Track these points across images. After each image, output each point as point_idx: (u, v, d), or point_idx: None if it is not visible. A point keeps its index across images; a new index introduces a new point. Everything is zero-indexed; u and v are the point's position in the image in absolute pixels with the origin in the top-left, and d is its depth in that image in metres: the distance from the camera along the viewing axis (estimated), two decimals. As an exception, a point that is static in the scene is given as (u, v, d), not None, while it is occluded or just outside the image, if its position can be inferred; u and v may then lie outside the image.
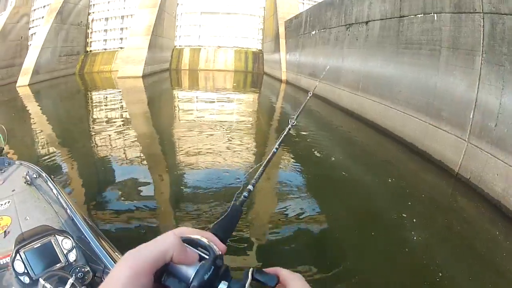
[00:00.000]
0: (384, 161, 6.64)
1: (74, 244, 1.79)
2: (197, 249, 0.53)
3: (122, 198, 4.65)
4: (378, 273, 3.25)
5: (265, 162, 1.07)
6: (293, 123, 1.56)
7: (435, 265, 3.29)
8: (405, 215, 4.26)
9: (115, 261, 1.83)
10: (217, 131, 8.42)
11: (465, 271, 3.28)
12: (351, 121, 9.69)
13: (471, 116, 5.03)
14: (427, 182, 5.47)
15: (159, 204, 4.62)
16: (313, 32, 14.54)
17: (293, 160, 6.49)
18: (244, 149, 7.26)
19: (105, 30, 23.45)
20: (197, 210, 4.38)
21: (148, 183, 5.28)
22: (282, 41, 19.60)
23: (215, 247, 0.54)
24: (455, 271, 3.27)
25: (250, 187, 0.91)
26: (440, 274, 3.13)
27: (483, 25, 4.63)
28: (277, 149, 1.25)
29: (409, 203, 4.61)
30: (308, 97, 2.22)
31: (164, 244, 0.50)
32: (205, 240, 0.55)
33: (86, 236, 2.00)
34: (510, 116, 4.17)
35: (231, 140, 7.68)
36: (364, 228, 4.04)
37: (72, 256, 1.76)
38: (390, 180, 5.48)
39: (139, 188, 5.00)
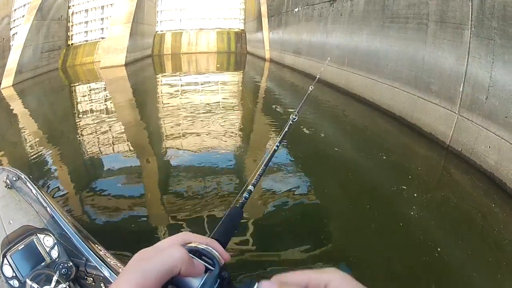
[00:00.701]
0: (374, 135, 6.67)
1: (55, 241, 1.79)
2: (202, 259, 0.52)
3: (110, 190, 4.55)
4: (375, 249, 3.26)
5: (265, 161, 1.03)
6: (295, 118, 1.49)
7: (433, 240, 3.31)
8: (399, 189, 4.30)
9: (96, 254, 1.84)
10: (202, 114, 8.31)
11: (464, 245, 3.31)
12: (338, 96, 9.67)
13: (460, 89, 5.04)
14: (419, 155, 5.52)
15: (148, 194, 4.55)
16: (296, 10, 14.27)
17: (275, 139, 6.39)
18: (231, 130, 7.20)
19: (86, 22, 22.68)
20: (188, 198, 4.32)
21: (136, 173, 5.20)
22: (265, 20, 19.25)
23: (220, 257, 0.53)
24: (453, 246, 3.29)
25: (250, 187, 0.88)
26: (439, 249, 3.14)
27: (471, 0, 4.58)
28: (278, 146, 1.20)
29: (403, 177, 4.64)
30: (309, 91, 2.16)
31: (172, 260, 0.47)
32: (209, 250, 0.53)
33: (67, 231, 2.00)
34: (501, 90, 4.18)
35: (216, 122, 7.59)
36: (359, 203, 4.07)
37: (54, 253, 1.76)
38: (381, 154, 5.49)
39: (127, 178, 4.94)
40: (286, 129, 1.37)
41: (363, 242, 3.38)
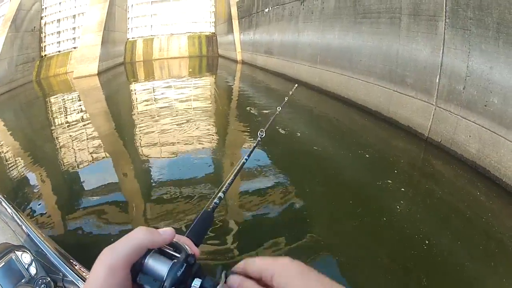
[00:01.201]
0: (352, 131, 6.63)
1: (32, 258, 1.79)
2: (169, 249, 0.54)
3: (86, 203, 4.28)
4: (362, 245, 3.16)
5: (234, 171, 1.10)
6: (262, 135, 1.53)
7: (421, 232, 3.23)
8: (382, 184, 4.21)
9: (72, 269, 1.86)
10: (176, 120, 8.05)
11: (453, 235, 3.23)
12: (313, 94, 9.61)
13: (437, 81, 5.04)
14: (399, 148, 5.49)
15: (125, 204, 4.34)
16: (267, 10, 14.19)
17: (252, 143, 6.20)
18: (206, 135, 6.98)
19: (58, 32, 21.94)
20: (166, 205, 4.13)
21: (113, 184, 4.86)
22: (235, 22, 19.15)
23: (186, 247, 0.55)
24: (442, 237, 3.22)
25: (220, 194, 0.93)
26: (427, 242, 3.06)
27: (445, -10, 4.58)
28: (246, 159, 1.27)
29: (384, 171, 4.58)
30: (279, 109, 2.16)
31: (136, 236, 0.51)
32: (176, 241, 0.56)
33: (43, 248, 2.00)
34: (479, 79, 4.18)
35: (191, 128, 7.35)
36: (342, 200, 3.95)
37: (32, 270, 1.76)
38: (361, 150, 5.43)
39: (103, 190, 4.61)
40: (255, 146, 1.42)
41: (349, 239, 3.28)
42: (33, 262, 1.77)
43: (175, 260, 0.51)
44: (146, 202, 4.29)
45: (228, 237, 3.38)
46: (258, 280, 0.51)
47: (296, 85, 2.68)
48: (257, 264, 0.52)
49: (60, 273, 1.83)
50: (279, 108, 2.19)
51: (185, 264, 0.50)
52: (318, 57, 9.66)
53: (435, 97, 5.10)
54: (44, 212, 4.10)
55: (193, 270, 0.51)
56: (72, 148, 6.57)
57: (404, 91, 5.89)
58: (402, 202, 3.77)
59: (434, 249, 3.00)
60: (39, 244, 2.03)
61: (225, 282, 0.52)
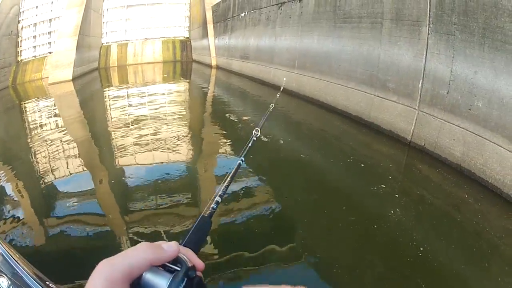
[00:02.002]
0: (334, 136, 6.66)
1: (9, 282, 1.70)
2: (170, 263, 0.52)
3: (63, 218, 4.02)
4: (356, 254, 3.11)
5: (231, 174, 1.09)
6: (257, 134, 1.53)
7: (414, 239, 3.22)
8: (370, 189, 4.21)
9: None
10: (151, 126, 7.90)
11: (446, 239, 3.23)
12: (291, 99, 9.63)
13: (420, 85, 5.13)
14: (382, 153, 5.52)
15: (104, 217, 4.11)
16: (243, 14, 14.19)
17: (237, 148, 6.13)
18: (180, 140, 6.88)
19: (34, 36, 21.32)
20: (147, 215, 3.97)
21: (89, 195, 4.62)
22: (210, 26, 19.13)
23: (187, 259, 0.53)
24: (436, 242, 3.22)
25: (218, 198, 0.92)
26: (421, 248, 3.05)
27: (429, -4, 4.68)
28: (242, 160, 1.26)
29: (370, 177, 4.60)
30: (270, 109, 2.28)
31: (138, 252, 0.49)
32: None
33: (19, 271, 1.87)
34: (463, 83, 4.28)
35: (169, 135, 7.22)
36: (330, 208, 3.89)
37: None
38: (344, 155, 5.48)
39: (80, 202, 4.37)
40: (249, 145, 1.42)
41: (342, 248, 3.22)
42: (11, 287, 1.68)
43: (175, 274, 0.49)
44: (125, 214, 4.09)
45: (218, 246, 3.29)
46: None
47: (282, 88, 2.68)
48: None
49: None
50: (272, 105, 2.32)
51: (185, 279, 0.49)
52: (296, 61, 9.72)
53: (418, 101, 5.19)
54: (17, 230, 3.81)
55: (193, 284, 0.50)
56: (46, 157, 6.25)
57: (386, 96, 5.97)
58: (392, 208, 3.75)
59: (429, 255, 2.99)
60: (15, 267, 1.90)
61: None
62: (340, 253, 3.16)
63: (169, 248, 0.51)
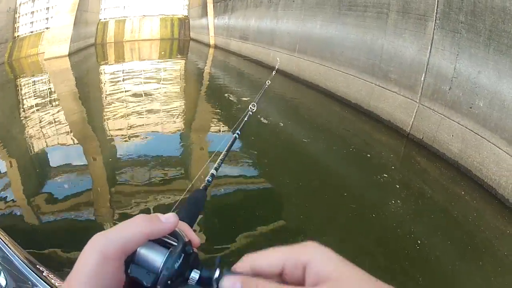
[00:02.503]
0: (333, 123, 6.79)
1: (0, 267, 1.71)
2: (165, 237, 0.48)
3: (56, 197, 4.05)
4: (354, 244, 3.22)
5: (226, 147, 1.11)
6: (253, 109, 1.55)
7: (411, 232, 3.35)
8: (371, 178, 4.39)
9: (40, 277, 1.73)
10: (146, 102, 8.00)
11: (442, 234, 3.41)
12: (290, 82, 9.69)
13: (422, 79, 5.25)
14: (381, 142, 5.68)
15: (97, 196, 4.16)
16: (245, -5, 14.07)
17: (233, 125, 6.22)
18: (175, 116, 7.05)
19: (32, 12, 20.79)
20: (142, 191, 4.07)
21: (83, 172, 4.71)
22: (210, 6, 18.86)
23: (183, 233, 0.50)
24: (433, 236, 3.36)
25: (213, 171, 0.93)
26: (419, 242, 3.20)
27: (438, -7, 4.75)
28: (238, 134, 1.29)
29: (371, 165, 4.77)
30: (266, 85, 2.29)
31: (135, 225, 0.45)
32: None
33: (9, 255, 1.86)
34: (465, 81, 4.40)
35: (160, 110, 7.38)
36: (326, 196, 4.04)
37: (2, 281, 1.67)
38: (344, 142, 5.65)
39: (73, 180, 4.42)
40: (245, 119, 1.43)
41: (340, 238, 3.32)
42: (2, 272, 1.69)
43: (171, 249, 0.46)
44: (118, 188, 4.22)
45: (213, 222, 3.43)
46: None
47: (277, 67, 2.77)
48: (273, 255, 0.41)
49: (29, 282, 1.70)
50: (268, 82, 2.33)
51: (183, 254, 0.46)
52: (297, 45, 9.73)
53: (419, 94, 5.32)
54: (6, 211, 3.82)
55: (190, 260, 0.47)
56: (40, 133, 6.28)
57: (387, 86, 6.08)
58: (391, 198, 3.91)
59: (426, 249, 3.15)
60: (5, 250, 1.87)
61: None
62: (338, 243, 3.22)
63: (167, 220, 0.47)
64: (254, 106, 1.56)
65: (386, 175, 4.45)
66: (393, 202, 3.86)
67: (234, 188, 4.20)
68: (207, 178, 0.88)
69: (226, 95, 8.72)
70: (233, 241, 3.21)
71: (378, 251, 3.18)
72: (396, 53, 5.86)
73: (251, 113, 1.48)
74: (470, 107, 4.34)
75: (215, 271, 0.43)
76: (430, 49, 5.04)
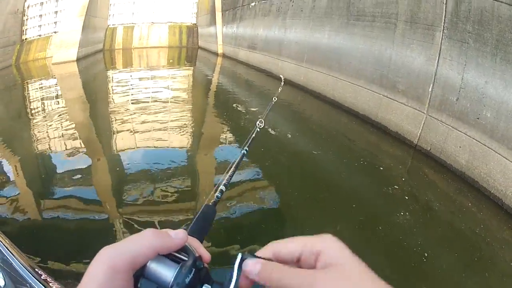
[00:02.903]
0: (341, 134, 6.79)
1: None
2: (176, 252, 0.49)
3: (58, 203, 4.12)
4: (360, 254, 3.23)
5: (235, 163, 1.11)
6: (261, 126, 1.54)
7: (418, 244, 3.32)
8: (379, 190, 4.38)
9: (39, 280, 1.77)
10: (154, 110, 8.07)
11: (449, 247, 3.38)
12: (297, 92, 9.75)
13: (430, 90, 5.24)
14: (389, 154, 5.66)
15: (103, 204, 4.23)
16: (253, 4, 14.21)
17: (242, 139, 6.21)
18: (183, 128, 7.06)
19: (40, 15, 21.34)
20: (146, 203, 4.08)
21: (88, 180, 4.77)
22: (219, 14, 19.17)
23: (194, 249, 0.51)
24: (440, 249, 3.32)
25: (222, 187, 0.93)
26: (426, 254, 3.16)
27: (446, 2, 4.76)
28: (247, 151, 1.28)
29: (379, 177, 4.75)
30: (272, 102, 2.23)
31: (144, 239, 0.46)
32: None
33: (8, 257, 1.90)
34: (473, 91, 4.39)
35: (168, 121, 7.43)
36: (338, 207, 4.03)
37: (1, 281, 1.69)
38: (352, 154, 5.64)
39: (78, 187, 4.48)
40: (253, 135, 1.44)
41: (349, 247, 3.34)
42: (0, 273, 1.71)
43: (182, 263, 0.47)
44: (125, 201, 4.20)
45: (223, 237, 3.43)
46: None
47: (283, 80, 2.79)
48: (293, 244, 0.46)
49: (27, 284, 1.74)
50: (274, 98, 2.27)
51: (193, 269, 0.47)
52: (305, 55, 9.79)
53: (427, 105, 5.31)
54: (10, 216, 3.85)
55: (201, 275, 0.48)
56: (46, 138, 6.40)
57: (395, 97, 6.08)
58: (399, 210, 3.89)
59: (433, 261, 3.11)
60: (4, 252, 1.92)
61: (240, 267, 0.46)
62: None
63: (176, 236, 0.48)
64: (262, 122, 1.56)
65: (394, 187, 4.43)
66: (401, 214, 3.83)
67: (243, 201, 4.17)
68: (216, 194, 0.89)
69: (234, 105, 8.80)
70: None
71: (386, 264, 3.13)
72: (404, 64, 5.87)
73: (258, 129, 1.48)
74: (477, 118, 4.32)
75: (231, 281, 0.45)
76: (438, 59, 5.05)
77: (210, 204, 0.82)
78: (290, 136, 6.57)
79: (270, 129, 6.53)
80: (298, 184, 4.63)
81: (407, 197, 4.26)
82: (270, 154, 5.55)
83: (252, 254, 0.46)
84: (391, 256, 3.25)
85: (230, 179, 1.00)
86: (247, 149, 1.30)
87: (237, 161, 1.13)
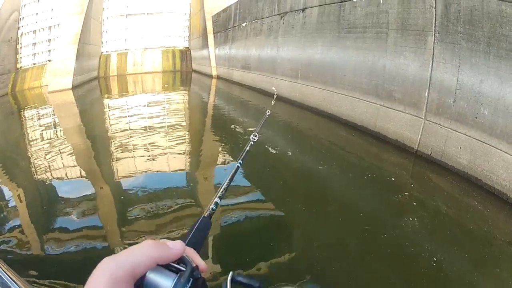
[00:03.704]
0: (340, 147, 6.87)
1: None
2: (172, 263, 0.52)
3: (62, 230, 4.14)
4: (368, 265, 3.22)
5: (229, 176, 1.16)
6: (255, 139, 1.61)
7: (426, 249, 3.31)
8: (384, 198, 4.43)
9: None
10: (151, 136, 8.15)
11: (459, 249, 3.37)
12: (294, 109, 9.89)
13: (426, 95, 5.36)
14: (391, 162, 5.71)
15: (105, 227, 4.26)
16: (244, 24, 14.58)
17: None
18: (179, 147, 7.22)
19: (34, 44, 21.97)
20: (147, 221, 4.14)
21: (90, 205, 4.79)
22: (210, 36, 19.66)
23: (191, 259, 0.54)
24: (449, 252, 3.31)
25: (217, 200, 0.97)
26: (435, 259, 3.15)
27: (435, 6, 4.94)
28: (241, 164, 1.34)
29: (383, 186, 4.78)
30: (266, 115, 2.37)
31: (143, 249, 0.49)
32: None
33: (7, 281, 1.95)
34: (469, 92, 4.51)
35: (165, 142, 7.54)
36: (340, 220, 4.05)
37: None
38: (353, 165, 5.69)
39: (77, 210, 4.52)
40: (247, 149, 1.49)
41: (356, 259, 3.33)
42: None
43: (180, 273, 0.49)
44: (123, 217, 4.28)
45: (221, 249, 3.44)
46: None
47: (275, 94, 2.89)
48: None
49: None
50: (268, 111, 2.42)
51: (191, 279, 0.49)
52: (299, 72, 9.98)
53: (424, 110, 5.42)
54: (13, 240, 3.89)
55: (198, 285, 0.51)
56: (45, 165, 6.44)
57: (392, 106, 6.20)
58: (404, 218, 3.89)
59: (443, 265, 3.10)
60: (3, 277, 2.01)
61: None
62: (353, 263, 3.27)
63: (174, 246, 0.51)
64: (256, 136, 1.63)
65: (398, 194, 4.46)
66: (407, 220, 3.83)
67: (244, 216, 4.20)
68: (211, 206, 0.92)
69: (232, 126, 8.87)
70: (242, 267, 3.22)
71: (394, 272, 3.13)
72: (398, 72, 6.01)
73: (252, 142, 1.54)
74: (476, 117, 4.42)
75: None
76: (432, 63, 5.19)
77: (206, 216, 0.85)
78: (290, 153, 6.61)
79: (270, 148, 6.58)
80: (302, 199, 4.64)
81: (413, 203, 4.28)
82: (273, 172, 5.61)
83: (241, 274, 0.50)
84: (399, 265, 3.23)
85: (225, 191, 1.05)
86: (241, 162, 1.35)
87: (231, 173, 1.18)
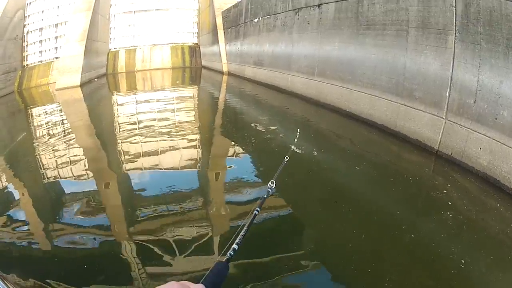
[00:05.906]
0: (361, 146, 7.19)
1: None
2: None
3: (68, 230, 4.40)
4: (398, 267, 3.46)
5: (248, 223, 1.21)
6: (273, 186, 1.65)
7: (452, 252, 3.53)
8: (410, 201, 4.78)
9: None
10: (161, 133, 8.63)
11: (484, 252, 3.60)
12: (309, 107, 10.27)
13: (447, 94, 5.70)
14: (412, 161, 6.04)
15: (113, 228, 4.55)
16: (256, 20, 15.01)
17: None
18: (191, 148, 7.59)
19: (40, 41, 22.74)
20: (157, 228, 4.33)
21: (97, 205, 5.20)
22: (221, 32, 20.25)
23: None
24: (474, 255, 3.52)
25: (235, 246, 1.02)
26: (463, 261, 3.37)
27: (455, 5, 5.28)
28: (258, 211, 1.39)
29: (408, 187, 5.11)
30: (284, 161, 2.41)
31: None
32: None
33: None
34: (489, 92, 4.84)
35: (177, 141, 7.99)
36: (365, 222, 4.26)
37: None
38: (375, 164, 6.03)
39: (86, 212, 4.84)
40: (265, 196, 1.56)
41: (380, 265, 3.51)
42: None
43: None
44: (134, 225, 4.55)
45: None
46: None
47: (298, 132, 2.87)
48: None
49: None
50: (286, 158, 2.44)
51: None
52: (315, 69, 10.34)
53: (445, 110, 5.75)
54: (19, 239, 4.23)
55: None
56: (52, 164, 6.92)
57: (413, 105, 6.54)
58: (428, 219, 4.25)
59: (470, 267, 3.35)
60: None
61: None
62: (380, 269, 3.46)
63: None
64: (273, 183, 1.66)
65: (419, 195, 4.83)
66: (430, 222, 4.20)
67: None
68: (229, 252, 0.98)
69: (260, 127, 9.09)
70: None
71: (424, 274, 3.36)
72: (419, 70, 6.34)
73: (269, 190, 1.58)
74: (495, 118, 4.76)
75: None
76: (453, 63, 5.52)
77: (223, 261, 0.93)
78: (315, 153, 6.78)
79: (296, 149, 6.47)
80: (323, 204, 4.95)
81: (439, 203, 4.56)
82: (302, 170, 5.85)
83: None
84: (428, 266, 3.47)
85: (243, 238, 1.09)
86: (258, 209, 1.40)
87: (249, 221, 1.23)
